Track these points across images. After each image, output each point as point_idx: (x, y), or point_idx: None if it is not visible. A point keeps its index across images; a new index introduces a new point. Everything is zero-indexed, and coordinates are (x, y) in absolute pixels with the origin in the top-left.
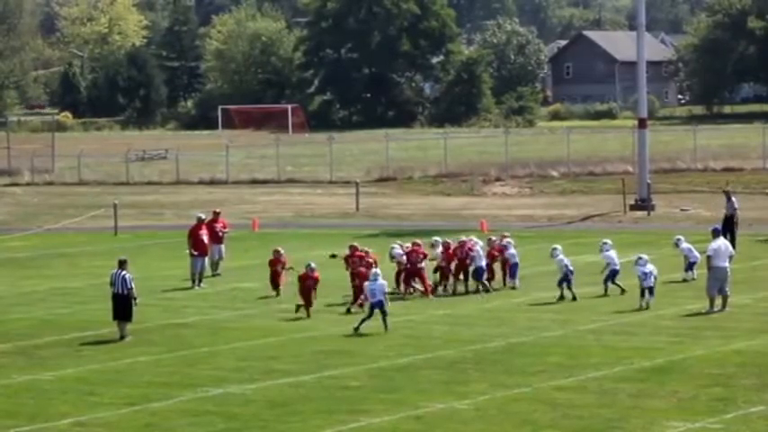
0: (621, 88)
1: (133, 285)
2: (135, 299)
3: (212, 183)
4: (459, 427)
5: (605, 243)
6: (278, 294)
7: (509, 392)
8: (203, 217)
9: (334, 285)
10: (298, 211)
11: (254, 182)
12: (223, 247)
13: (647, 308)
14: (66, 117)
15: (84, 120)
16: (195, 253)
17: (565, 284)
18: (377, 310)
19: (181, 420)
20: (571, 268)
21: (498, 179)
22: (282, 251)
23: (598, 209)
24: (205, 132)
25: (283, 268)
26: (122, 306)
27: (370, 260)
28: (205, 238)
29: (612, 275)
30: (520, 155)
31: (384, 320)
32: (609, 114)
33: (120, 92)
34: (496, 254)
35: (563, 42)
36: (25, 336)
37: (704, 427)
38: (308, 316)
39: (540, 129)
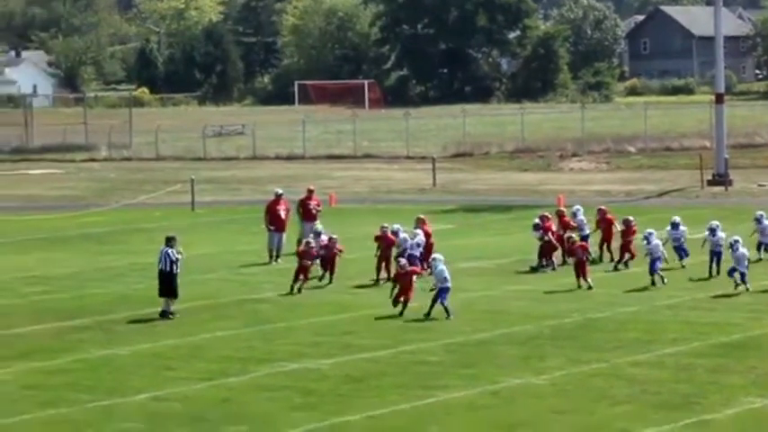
0: (698, 63)
1: (178, 262)
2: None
3: (289, 158)
4: (536, 402)
5: (736, 241)
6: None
7: (586, 368)
8: (281, 192)
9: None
10: (374, 186)
11: (331, 157)
12: (318, 224)
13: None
14: (143, 93)
15: (161, 95)
16: (272, 228)
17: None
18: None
19: (257, 395)
20: (659, 255)
21: (575, 154)
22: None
23: (675, 184)
24: (282, 108)
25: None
26: (168, 283)
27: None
28: (282, 214)
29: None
30: (596, 130)
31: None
32: (686, 90)
33: (196, 67)
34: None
35: (640, 17)
36: (103, 311)
37: None
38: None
39: (617, 104)
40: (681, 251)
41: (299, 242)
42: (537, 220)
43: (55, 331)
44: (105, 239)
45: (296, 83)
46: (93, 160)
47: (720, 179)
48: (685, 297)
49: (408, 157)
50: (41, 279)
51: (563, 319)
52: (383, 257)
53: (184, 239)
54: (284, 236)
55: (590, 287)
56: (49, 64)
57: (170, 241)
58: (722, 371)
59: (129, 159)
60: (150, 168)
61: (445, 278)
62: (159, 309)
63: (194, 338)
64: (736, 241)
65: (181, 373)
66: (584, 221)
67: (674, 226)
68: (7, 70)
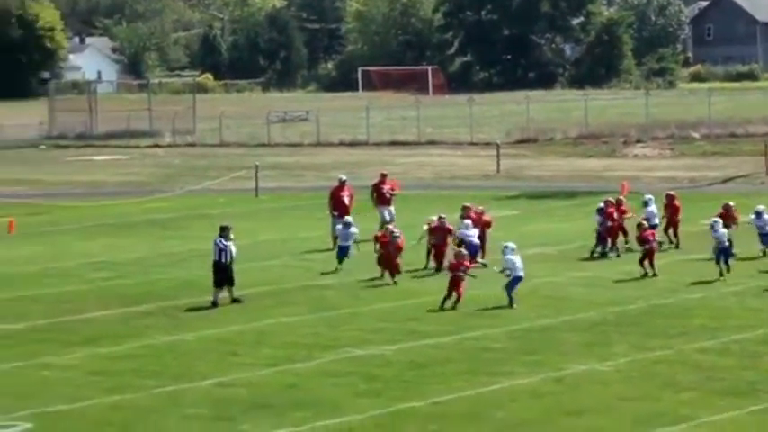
0: (763, 50)
1: (233, 254)
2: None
3: (352, 144)
4: (601, 389)
5: None
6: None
7: (651, 354)
8: (344, 179)
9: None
10: (438, 172)
11: (395, 143)
12: (392, 208)
13: None
14: (207, 79)
15: (224, 82)
16: (335, 214)
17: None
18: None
19: (323, 381)
20: (727, 243)
21: (639, 141)
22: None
23: (740, 170)
24: (345, 94)
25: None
26: (224, 275)
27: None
28: (346, 200)
29: None
30: (660, 116)
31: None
32: (750, 76)
33: (260, 54)
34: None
35: (704, 3)
36: (167, 296)
37: None
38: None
39: (681, 90)
40: (765, 237)
41: (381, 225)
42: (601, 205)
43: (121, 317)
44: (169, 225)
45: (359, 69)
46: (157, 146)
47: None
48: (751, 284)
49: (472, 144)
50: (107, 264)
51: (627, 306)
52: (438, 247)
53: (248, 226)
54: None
55: (655, 275)
56: (113, 50)
57: (225, 231)
58: None
59: (192, 146)
60: (214, 155)
61: (517, 266)
62: (211, 298)
63: (259, 324)
64: None
65: (246, 358)
66: (655, 212)
67: (758, 215)
68: (72, 57)
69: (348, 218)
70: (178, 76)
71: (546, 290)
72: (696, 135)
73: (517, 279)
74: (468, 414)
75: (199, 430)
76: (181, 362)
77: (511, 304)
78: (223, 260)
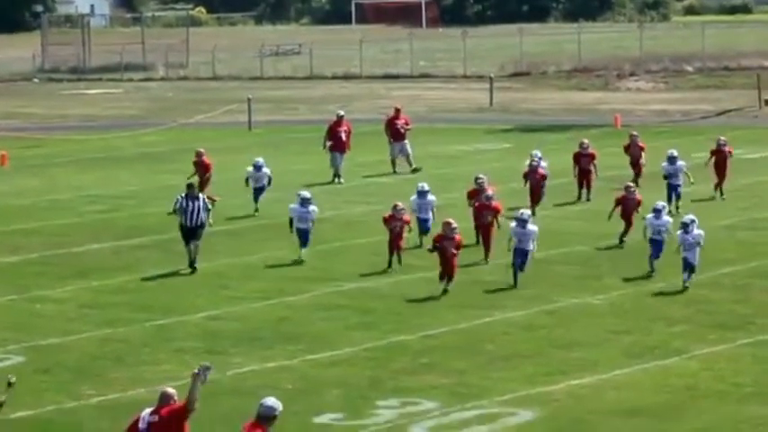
0: None
1: (209, 213)
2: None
3: (346, 77)
4: (593, 321)
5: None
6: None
7: (643, 288)
8: (342, 114)
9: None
10: (431, 106)
11: (388, 77)
12: (407, 142)
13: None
14: (200, 12)
15: (218, 15)
16: (332, 148)
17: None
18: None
19: (315, 314)
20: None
21: (633, 74)
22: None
23: (733, 104)
24: (339, 27)
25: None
26: (194, 234)
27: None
28: (343, 136)
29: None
30: (654, 50)
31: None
32: (744, 9)
33: None
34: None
35: None
36: (160, 230)
37: None
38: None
39: (675, 23)
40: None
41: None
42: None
43: (113, 250)
44: (162, 158)
45: (353, 2)
46: (150, 80)
47: None
48: (742, 217)
49: (466, 77)
50: (100, 198)
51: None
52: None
53: (242, 159)
54: (344, 157)
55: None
56: None
57: (190, 189)
58: None
59: (185, 79)
60: (207, 88)
61: (522, 238)
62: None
63: (251, 258)
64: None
65: (238, 292)
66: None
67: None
68: None
69: (306, 193)
70: (171, 9)
71: (540, 223)
72: (690, 68)
73: (519, 252)
74: (459, 347)
75: (191, 363)
76: (172, 295)
77: (515, 283)
78: (190, 223)
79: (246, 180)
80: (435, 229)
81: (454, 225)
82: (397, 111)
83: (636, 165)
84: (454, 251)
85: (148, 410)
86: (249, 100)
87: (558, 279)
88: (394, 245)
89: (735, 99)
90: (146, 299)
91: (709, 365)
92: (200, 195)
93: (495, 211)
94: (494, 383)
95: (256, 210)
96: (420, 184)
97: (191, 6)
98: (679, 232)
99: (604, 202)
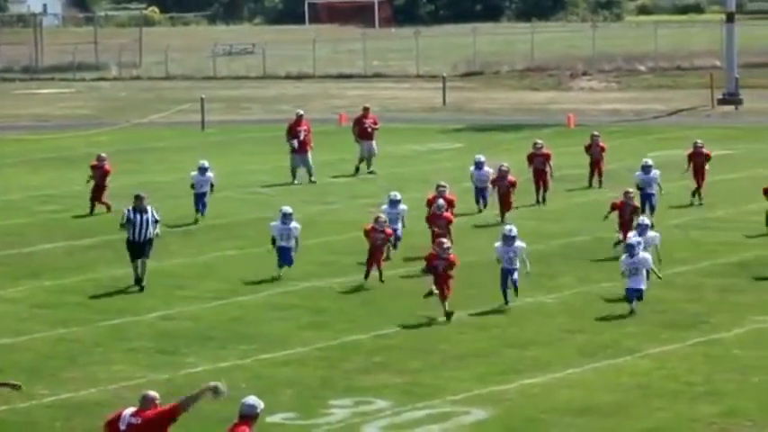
0: None
1: (157, 225)
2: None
3: (299, 77)
4: (545, 321)
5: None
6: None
7: (595, 287)
8: (302, 113)
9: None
10: (384, 105)
11: (341, 76)
12: (374, 143)
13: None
14: (153, 12)
15: (171, 14)
16: (293, 148)
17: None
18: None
19: (268, 314)
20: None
21: (585, 73)
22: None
23: (686, 103)
24: (292, 27)
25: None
26: (141, 250)
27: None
28: (301, 135)
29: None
30: (607, 49)
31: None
32: (696, 8)
33: None
34: None
35: None
36: (113, 230)
37: None
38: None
39: (628, 23)
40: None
41: (367, 162)
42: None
43: (66, 250)
44: (116, 158)
45: (306, 2)
46: (103, 79)
47: (731, 98)
48: (695, 216)
49: (418, 76)
50: (53, 198)
51: (573, 238)
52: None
53: (195, 159)
54: (309, 156)
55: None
56: None
57: (139, 200)
58: (731, 290)
59: (138, 78)
60: (160, 87)
61: (505, 257)
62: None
63: (206, 257)
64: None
65: (191, 292)
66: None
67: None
68: None
69: (287, 209)
70: (125, 8)
71: (493, 222)
72: (642, 68)
73: (504, 271)
74: (413, 347)
75: (143, 363)
76: (126, 295)
77: (506, 302)
78: (137, 238)
79: (192, 185)
80: (406, 239)
81: (447, 245)
82: (366, 110)
83: (595, 164)
84: (450, 273)
85: (130, 410)
86: (202, 100)
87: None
88: (373, 258)
89: (687, 99)
90: (99, 299)
91: (662, 364)
92: (149, 208)
93: (447, 222)
94: (447, 383)
95: (198, 218)
96: (392, 193)
97: (144, 6)
98: (623, 257)
99: (558, 201)
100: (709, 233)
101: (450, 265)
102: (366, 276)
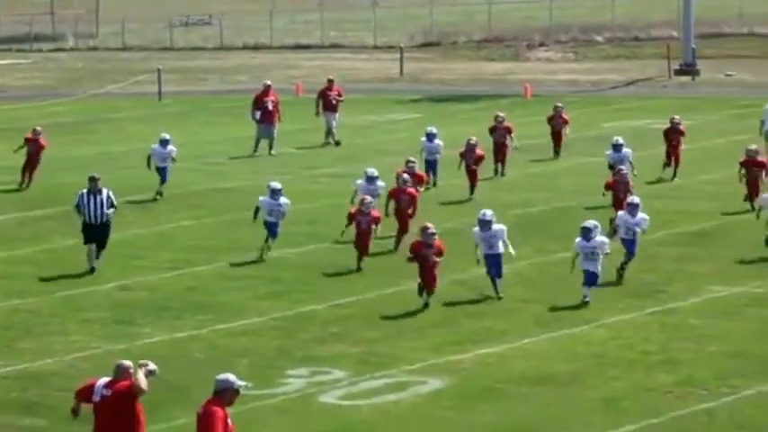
0: None
1: (113, 209)
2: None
3: (256, 48)
4: (502, 291)
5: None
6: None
7: (551, 257)
8: (269, 83)
9: None
10: (341, 75)
11: (298, 47)
12: (338, 115)
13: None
14: None
15: None
16: (258, 119)
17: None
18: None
19: (224, 284)
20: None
21: (542, 44)
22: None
23: (642, 74)
24: None
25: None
26: (98, 234)
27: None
28: (269, 105)
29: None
30: (564, 19)
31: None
32: None
33: None
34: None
35: None
36: (68, 201)
37: (747, 292)
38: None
39: None
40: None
41: (328, 133)
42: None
43: (20, 221)
44: (73, 129)
45: None
46: (59, 50)
47: (688, 69)
48: (653, 186)
49: (376, 47)
50: (6, 169)
51: (529, 208)
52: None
53: (152, 130)
54: (275, 128)
55: None
56: None
57: (93, 182)
58: (687, 260)
59: (95, 49)
60: (117, 58)
61: (486, 242)
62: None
63: (161, 228)
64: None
65: (147, 262)
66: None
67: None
68: None
69: (276, 184)
70: None
71: (450, 193)
72: (599, 38)
73: (490, 259)
74: (369, 316)
75: (99, 334)
76: (82, 265)
77: (496, 293)
78: (92, 220)
79: (148, 159)
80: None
81: (432, 230)
82: (330, 81)
83: (557, 135)
84: (436, 259)
85: (104, 381)
86: (159, 70)
87: (468, 249)
88: (362, 244)
89: (644, 69)
90: (54, 269)
91: (618, 334)
92: (104, 189)
93: (411, 197)
94: (403, 352)
95: (159, 193)
96: (370, 170)
97: None
98: (578, 239)
99: (515, 172)
100: (666, 202)
101: (439, 252)
102: (358, 268)
